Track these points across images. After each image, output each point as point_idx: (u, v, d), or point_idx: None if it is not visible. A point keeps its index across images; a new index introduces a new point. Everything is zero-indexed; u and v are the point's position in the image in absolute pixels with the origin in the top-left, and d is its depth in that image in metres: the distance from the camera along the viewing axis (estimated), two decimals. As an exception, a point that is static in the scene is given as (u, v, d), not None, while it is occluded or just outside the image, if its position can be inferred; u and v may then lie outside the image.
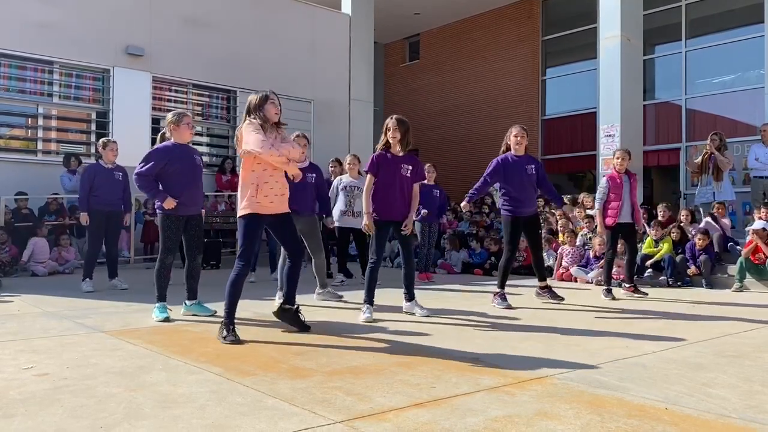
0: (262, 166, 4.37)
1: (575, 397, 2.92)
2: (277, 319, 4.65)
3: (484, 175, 6.30)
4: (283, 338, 4.34)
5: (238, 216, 4.47)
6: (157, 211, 5.33)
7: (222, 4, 13.03)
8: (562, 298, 6.40)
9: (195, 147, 5.83)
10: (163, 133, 5.42)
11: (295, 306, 4.66)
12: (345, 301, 6.34)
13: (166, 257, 5.27)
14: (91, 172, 7.43)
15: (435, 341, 4.28)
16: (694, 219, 9.43)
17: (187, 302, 5.48)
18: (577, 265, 9.11)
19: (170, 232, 5.25)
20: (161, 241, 5.31)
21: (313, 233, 6.30)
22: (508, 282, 6.24)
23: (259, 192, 4.34)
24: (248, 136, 4.30)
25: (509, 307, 5.97)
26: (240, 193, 4.46)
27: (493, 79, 18.74)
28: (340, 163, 8.93)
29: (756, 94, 13.26)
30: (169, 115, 5.36)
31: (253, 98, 4.48)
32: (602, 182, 7.20)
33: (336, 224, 8.10)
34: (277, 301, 5.89)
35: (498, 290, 6.14)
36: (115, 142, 7.67)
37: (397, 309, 5.54)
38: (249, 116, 4.43)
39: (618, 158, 7.09)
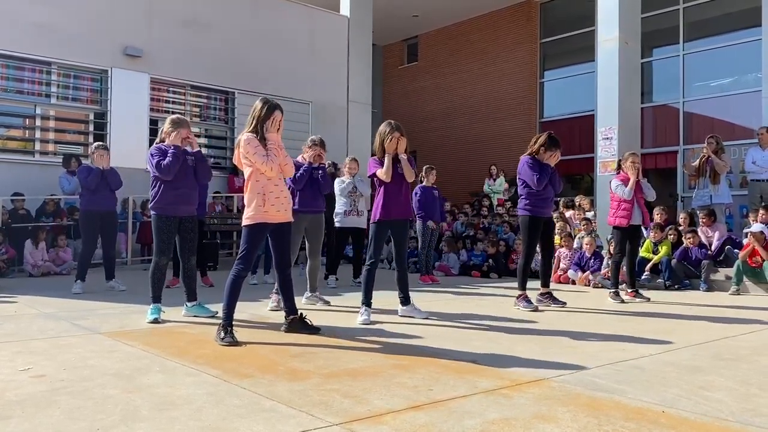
0: (265, 176, 4.44)
1: (572, 400, 2.92)
2: (286, 332, 4.60)
3: (533, 174, 6.13)
4: (281, 340, 4.34)
5: (243, 224, 4.47)
6: (152, 212, 5.32)
7: (220, 5, 13.03)
8: (564, 303, 6.41)
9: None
10: (163, 138, 5.39)
11: (299, 314, 4.68)
12: (336, 306, 6.32)
13: (160, 258, 5.26)
14: (86, 171, 7.41)
15: (432, 343, 4.28)
16: (692, 222, 9.44)
17: (188, 304, 5.48)
18: (573, 264, 9.14)
19: (163, 233, 5.25)
20: (155, 242, 5.30)
21: (317, 234, 6.29)
22: (506, 284, 6.25)
23: (266, 201, 4.40)
24: (251, 158, 4.37)
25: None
26: (246, 201, 4.48)
27: (492, 82, 18.76)
28: (334, 166, 8.88)
29: (753, 97, 13.27)
30: (167, 123, 5.37)
31: (258, 106, 4.51)
32: (615, 182, 7.16)
33: (337, 225, 8.14)
34: (272, 303, 5.87)
35: (520, 292, 6.18)
36: (106, 149, 7.59)
37: (395, 310, 5.53)
38: (251, 124, 4.47)
39: (633, 162, 7.16)
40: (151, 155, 5.24)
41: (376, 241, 5.37)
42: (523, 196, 6.27)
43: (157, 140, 5.45)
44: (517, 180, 6.37)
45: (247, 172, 4.48)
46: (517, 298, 6.20)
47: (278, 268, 4.76)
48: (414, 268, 10.07)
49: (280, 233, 4.61)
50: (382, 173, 5.26)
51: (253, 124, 4.48)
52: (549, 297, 6.45)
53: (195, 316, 5.38)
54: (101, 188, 7.36)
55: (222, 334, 4.20)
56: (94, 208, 7.36)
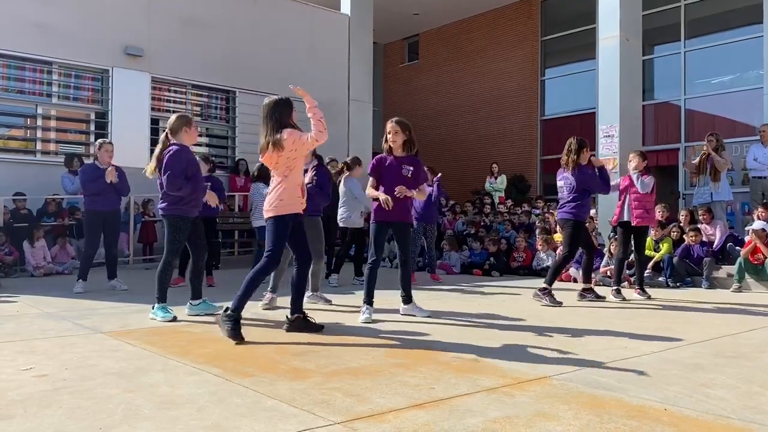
0: (299, 168, 4.57)
1: (574, 398, 2.92)
2: (288, 332, 4.57)
3: (604, 182, 6.71)
4: (282, 339, 4.34)
5: (274, 215, 4.47)
6: (167, 213, 5.27)
7: (221, 4, 13.02)
8: (604, 297, 6.79)
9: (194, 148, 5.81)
10: (167, 134, 5.32)
11: (302, 313, 4.66)
12: (338, 305, 6.30)
13: (172, 259, 5.28)
14: (89, 173, 7.39)
15: (434, 342, 4.28)
16: (693, 219, 9.43)
17: (193, 302, 5.47)
18: (574, 262, 9.13)
19: (180, 234, 5.26)
20: (168, 243, 5.27)
21: (318, 236, 6.26)
22: (508, 282, 6.27)
23: (303, 193, 4.55)
24: (301, 139, 4.45)
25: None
26: (280, 192, 4.47)
27: (493, 80, 18.74)
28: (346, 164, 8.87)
29: (755, 94, 13.26)
30: (176, 118, 5.34)
31: (272, 104, 4.55)
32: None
33: (341, 224, 8.19)
34: (264, 301, 5.81)
35: (546, 287, 6.39)
36: (110, 143, 7.63)
37: (396, 309, 5.52)
38: (274, 123, 4.48)
39: (628, 160, 7.28)
40: (172, 166, 5.14)
41: (376, 240, 5.35)
42: (576, 202, 6.47)
43: (163, 137, 5.35)
44: (568, 187, 6.55)
45: (283, 168, 4.48)
46: (542, 291, 6.34)
47: (299, 262, 4.69)
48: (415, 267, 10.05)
49: (298, 225, 4.64)
50: (367, 191, 5.42)
51: (276, 122, 4.48)
52: (591, 292, 6.78)
53: (198, 314, 5.38)
54: (107, 190, 7.35)
55: (229, 326, 4.16)
56: (99, 209, 7.34)
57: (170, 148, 5.24)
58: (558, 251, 9.37)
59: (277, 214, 4.47)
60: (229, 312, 4.24)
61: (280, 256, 4.54)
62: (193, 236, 5.43)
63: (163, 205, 5.30)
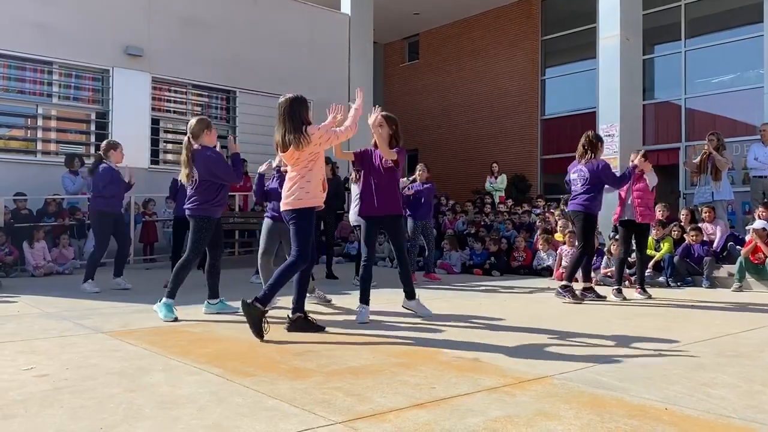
0: (321, 162, 4.63)
1: (575, 397, 2.92)
2: (289, 331, 4.55)
3: (622, 178, 6.82)
4: (283, 338, 4.34)
5: (302, 207, 4.49)
6: (193, 213, 5.30)
7: (221, 4, 13.03)
8: (604, 297, 6.81)
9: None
10: (189, 138, 5.31)
11: (304, 313, 4.65)
12: (339, 304, 6.29)
13: (194, 258, 5.32)
14: (110, 174, 7.33)
15: (435, 341, 4.28)
16: (694, 218, 9.43)
17: (210, 301, 5.50)
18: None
19: (205, 234, 5.31)
20: (192, 243, 5.30)
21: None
22: (508, 282, 6.27)
23: (325, 188, 4.61)
24: (328, 134, 4.57)
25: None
26: (302, 185, 4.51)
27: (493, 79, 18.74)
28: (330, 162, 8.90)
29: (755, 93, 13.27)
30: (197, 122, 5.36)
31: (288, 100, 4.57)
32: None
33: (354, 223, 8.22)
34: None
35: (567, 284, 6.50)
36: (120, 143, 7.65)
37: (397, 309, 5.52)
38: (294, 120, 4.50)
39: (630, 160, 7.27)
40: (225, 164, 5.34)
41: (365, 237, 5.33)
42: (588, 194, 6.55)
43: (185, 142, 5.32)
44: (582, 179, 6.60)
45: (305, 162, 4.53)
46: (563, 288, 6.46)
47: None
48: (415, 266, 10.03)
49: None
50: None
51: (297, 119, 4.52)
52: (592, 291, 6.81)
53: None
54: (121, 191, 7.45)
55: (254, 320, 4.23)
56: (110, 210, 7.35)
57: (204, 151, 5.28)
58: (559, 250, 9.42)
59: (305, 206, 4.49)
60: (257, 306, 4.26)
61: (310, 249, 4.55)
62: (214, 236, 5.47)
63: (193, 205, 5.32)
